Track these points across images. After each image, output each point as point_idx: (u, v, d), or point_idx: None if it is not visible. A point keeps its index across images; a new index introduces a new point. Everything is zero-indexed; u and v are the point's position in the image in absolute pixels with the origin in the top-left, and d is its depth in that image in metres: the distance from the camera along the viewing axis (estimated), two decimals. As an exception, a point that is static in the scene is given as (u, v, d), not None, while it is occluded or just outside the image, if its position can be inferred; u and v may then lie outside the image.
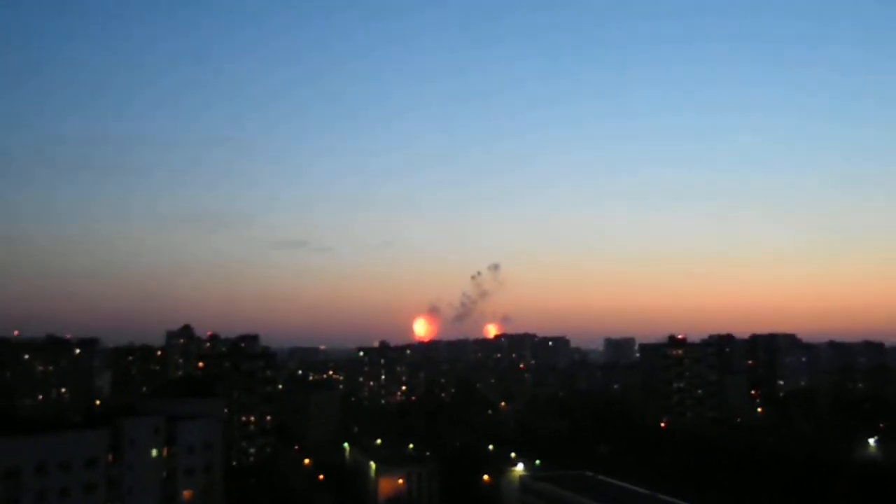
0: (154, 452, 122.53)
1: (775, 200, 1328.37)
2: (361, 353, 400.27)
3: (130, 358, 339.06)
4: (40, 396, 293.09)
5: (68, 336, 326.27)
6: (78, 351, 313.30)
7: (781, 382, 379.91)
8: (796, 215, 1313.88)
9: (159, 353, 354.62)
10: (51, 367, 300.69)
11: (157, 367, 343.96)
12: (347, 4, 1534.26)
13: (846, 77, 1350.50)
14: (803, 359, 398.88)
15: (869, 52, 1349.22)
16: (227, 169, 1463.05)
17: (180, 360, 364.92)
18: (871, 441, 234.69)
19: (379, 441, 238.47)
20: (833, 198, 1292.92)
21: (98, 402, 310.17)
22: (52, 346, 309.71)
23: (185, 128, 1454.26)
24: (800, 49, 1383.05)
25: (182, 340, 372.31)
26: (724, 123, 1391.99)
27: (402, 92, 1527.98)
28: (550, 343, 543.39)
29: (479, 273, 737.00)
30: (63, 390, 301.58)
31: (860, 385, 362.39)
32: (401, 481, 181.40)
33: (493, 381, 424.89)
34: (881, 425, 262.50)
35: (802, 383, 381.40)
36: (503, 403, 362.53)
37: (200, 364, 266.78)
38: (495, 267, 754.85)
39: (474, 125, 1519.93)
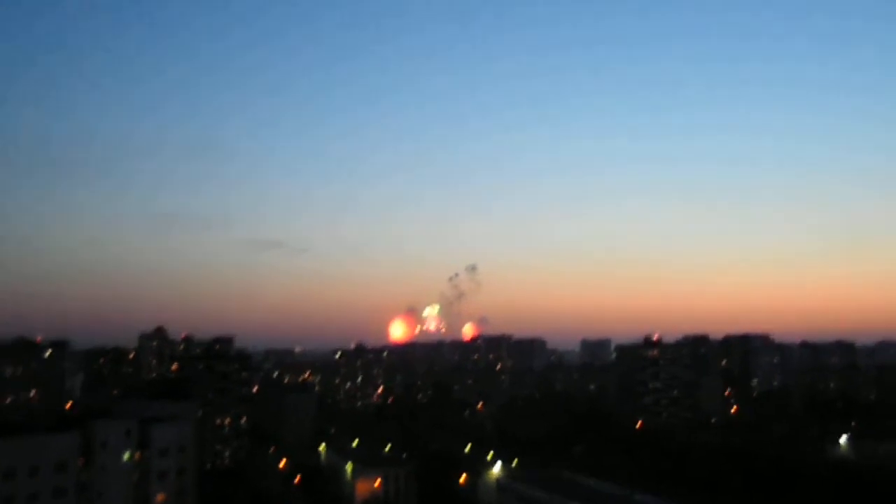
0: (126, 456, 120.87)
1: (747, 202, 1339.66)
2: (338, 355, 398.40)
3: (102, 360, 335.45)
4: (10, 399, 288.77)
5: (39, 338, 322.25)
6: (49, 353, 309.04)
7: (755, 382, 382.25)
8: (768, 217, 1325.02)
9: (132, 355, 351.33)
10: (21, 370, 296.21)
11: (130, 370, 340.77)
12: (329, 11, 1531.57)
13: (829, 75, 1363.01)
14: (776, 359, 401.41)
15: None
16: (205, 170, 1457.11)
17: (154, 362, 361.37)
18: (843, 439, 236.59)
19: (355, 442, 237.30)
20: (805, 200, 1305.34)
21: (69, 405, 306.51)
22: (23, 348, 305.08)
23: (164, 130, 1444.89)
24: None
25: (155, 342, 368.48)
26: (694, 123, 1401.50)
27: (379, 94, 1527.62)
28: (527, 344, 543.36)
29: (456, 274, 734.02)
30: (33, 393, 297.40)
31: (832, 385, 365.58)
32: (377, 483, 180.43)
33: (470, 382, 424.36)
34: (853, 424, 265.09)
35: (775, 383, 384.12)
36: (480, 405, 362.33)
37: (174, 366, 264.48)
38: (473, 268, 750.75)
39: (452, 127, 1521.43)
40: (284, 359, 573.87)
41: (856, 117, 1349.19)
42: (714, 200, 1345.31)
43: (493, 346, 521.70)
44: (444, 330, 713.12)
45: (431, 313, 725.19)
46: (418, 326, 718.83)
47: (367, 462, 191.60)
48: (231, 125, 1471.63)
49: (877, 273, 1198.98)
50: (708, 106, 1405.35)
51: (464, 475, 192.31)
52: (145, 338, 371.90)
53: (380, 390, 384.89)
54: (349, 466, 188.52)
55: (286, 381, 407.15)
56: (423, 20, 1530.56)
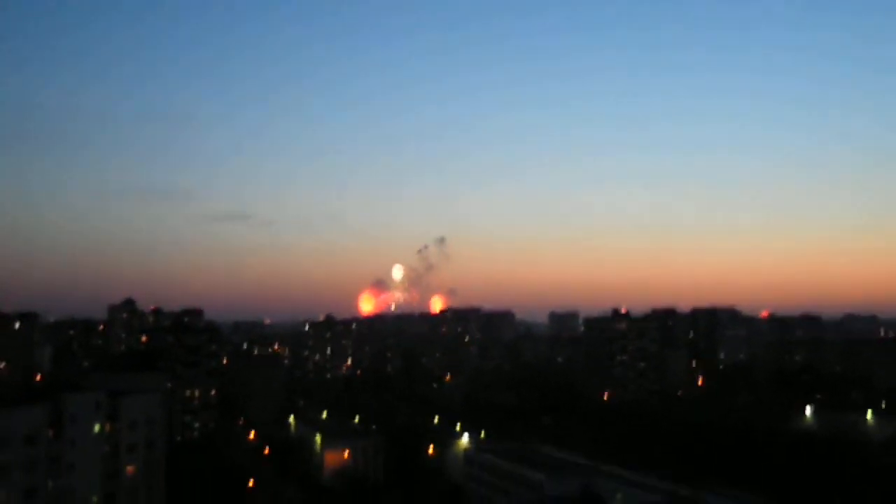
0: (96, 428, 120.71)
1: (715, 177, 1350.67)
2: (307, 327, 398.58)
3: (71, 332, 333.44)
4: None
5: (7, 310, 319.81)
6: (17, 325, 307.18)
7: (722, 355, 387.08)
8: (736, 192, 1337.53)
9: (101, 327, 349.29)
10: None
11: (99, 342, 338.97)
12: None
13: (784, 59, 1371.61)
14: (743, 332, 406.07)
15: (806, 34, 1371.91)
16: (171, 142, 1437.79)
17: (123, 335, 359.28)
18: (808, 412, 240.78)
19: (324, 414, 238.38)
20: (771, 175, 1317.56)
21: (38, 377, 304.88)
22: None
23: (126, 100, 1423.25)
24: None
25: (125, 314, 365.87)
26: (664, 107, 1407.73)
27: (344, 65, 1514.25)
28: (496, 317, 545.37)
29: (425, 246, 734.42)
30: (2, 365, 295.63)
31: (798, 358, 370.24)
32: (346, 454, 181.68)
33: (438, 354, 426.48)
34: (818, 396, 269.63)
35: (742, 356, 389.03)
36: (448, 377, 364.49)
37: (144, 338, 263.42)
38: (441, 240, 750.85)
39: (420, 99, 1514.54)
40: (254, 331, 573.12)
41: (820, 101, 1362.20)
42: (682, 177, 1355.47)
43: (462, 318, 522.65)
44: (413, 299, 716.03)
45: (398, 277, 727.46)
46: (385, 296, 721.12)
47: (336, 434, 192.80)
48: (199, 94, 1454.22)
49: (843, 247, 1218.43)
50: (673, 92, 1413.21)
51: (432, 447, 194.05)
52: (115, 310, 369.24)
53: (349, 362, 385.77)
54: (318, 438, 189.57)
55: (255, 353, 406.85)
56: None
